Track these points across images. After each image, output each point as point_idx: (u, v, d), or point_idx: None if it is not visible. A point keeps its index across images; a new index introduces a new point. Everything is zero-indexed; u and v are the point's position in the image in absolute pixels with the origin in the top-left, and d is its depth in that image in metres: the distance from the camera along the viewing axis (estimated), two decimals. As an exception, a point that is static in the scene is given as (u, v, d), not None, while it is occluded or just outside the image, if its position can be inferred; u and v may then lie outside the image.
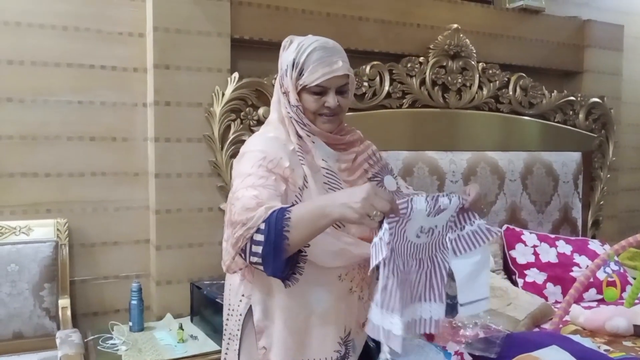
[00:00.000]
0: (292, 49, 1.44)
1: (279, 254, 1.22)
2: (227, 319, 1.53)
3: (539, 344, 1.88)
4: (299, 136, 1.44)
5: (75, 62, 2.38)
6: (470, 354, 1.98)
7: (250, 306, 1.43)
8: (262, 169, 1.35)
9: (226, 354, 1.54)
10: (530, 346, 1.85)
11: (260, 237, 1.22)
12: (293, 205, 1.30)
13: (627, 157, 3.81)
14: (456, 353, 2.10)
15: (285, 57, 1.45)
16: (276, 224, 1.21)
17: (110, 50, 2.43)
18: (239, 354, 1.47)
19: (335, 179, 1.43)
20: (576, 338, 2.20)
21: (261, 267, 1.25)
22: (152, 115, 2.38)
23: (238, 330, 1.46)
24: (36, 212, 2.34)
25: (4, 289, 2.12)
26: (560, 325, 2.38)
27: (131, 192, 2.50)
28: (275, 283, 1.35)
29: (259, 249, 1.23)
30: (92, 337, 2.17)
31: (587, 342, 2.24)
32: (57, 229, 2.30)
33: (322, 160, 1.43)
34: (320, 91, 1.40)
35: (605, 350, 2.21)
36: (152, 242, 2.48)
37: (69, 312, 2.22)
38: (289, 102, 1.43)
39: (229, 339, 1.52)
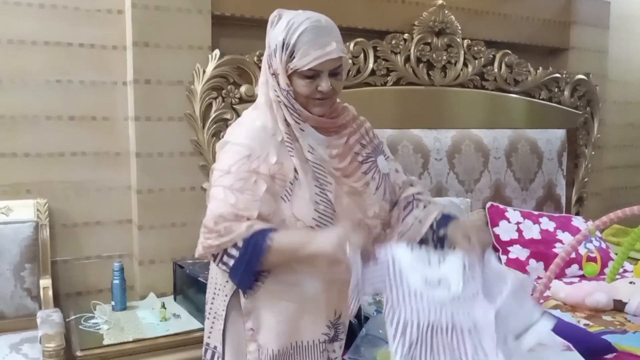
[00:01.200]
0: (282, 26, 1.32)
1: (249, 273, 1.28)
2: (213, 299, 1.52)
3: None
4: (287, 123, 1.36)
5: (53, 40, 2.33)
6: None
7: (237, 288, 1.41)
8: (244, 168, 1.31)
9: (210, 332, 1.52)
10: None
11: (234, 252, 1.26)
12: (272, 230, 1.27)
13: (612, 135, 3.81)
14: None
15: (274, 35, 1.34)
16: (254, 247, 1.24)
17: (88, 28, 2.38)
18: (223, 334, 1.45)
19: (323, 170, 1.36)
20: (556, 313, 2.23)
21: (228, 272, 1.30)
22: (132, 94, 2.35)
23: (223, 310, 1.44)
24: (16, 193, 2.32)
25: (-16, 270, 2.11)
26: (541, 301, 2.41)
27: (112, 172, 2.47)
28: None
29: (230, 261, 1.27)
30: (74, 317, 2.17)
31: (567, 317, 2.28)
32: (37, 209, 2.28)
33: (309, 152, 1.36)
34: (312, 75, 1.31)
35: (584, 324, 2.24)
36: (134, 222, 2.46)
37: (50, 292, 2.21)
38: (279, 84, 1.35)
39: (214, 318, 1.49)
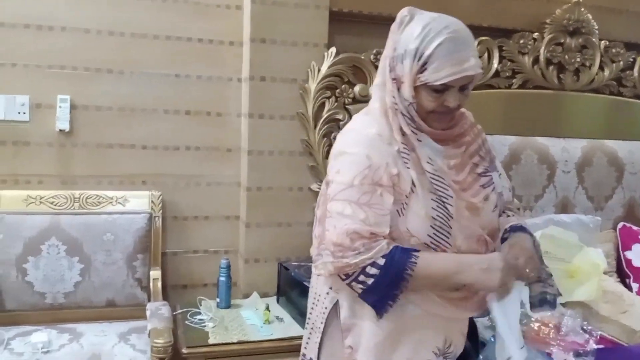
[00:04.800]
0: (415, 32, 1.22)
1: (389, 294, 1.21)
2: (312, 308, 1.43)
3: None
4: (403, 132, 1.26)
5: (173, 34, 2.36)
6: (579, 365, 1.78)
7: (337, 301, 1.32)
8: (367, 181, 1.22)
9: (307, 343, 1.44)
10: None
11: (374, 271, 1.19)
12: (414, 250, 1.21)
13: None
14: (562, 362, 1.91)
15: (405, 39, 1.23)
16: (398, 268, 1.18)
17: (207, 23, 2.39)
18: (319, 348, 1.37)
19: (443, 182, 1.26)
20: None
21: (359, 292, 1.23)
22: (247, 90, 2.33)
23: (322, 323, 1.36)
24: (132, 183, 2.37)
25: (99, 257, 2.16)
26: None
27: (223, 167, 2.47)
28: None
29: (368, 281, 1.20)
30: (180, 311, 2.18)
31: None
32: (152, 201, 2.32)
33: (428, 162, 1.26)
34: (442, 89, 1.22)
35: None
36: (241, 219, 2.45)
37: (159, 284, 2.24)
38: (400, 93, 1.25)
39: (312, 329, 1.42)
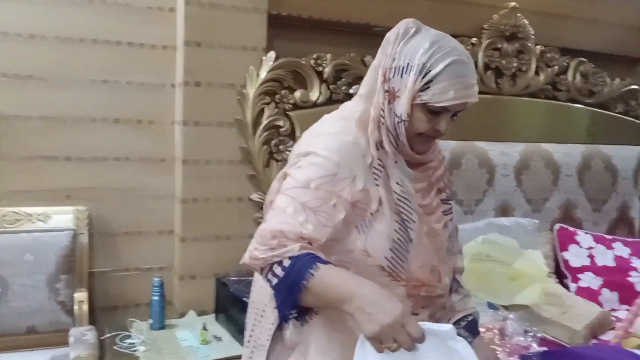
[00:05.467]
0: (422, 46, 1.15)
1: (289, 301, 1.10)
2: (254, 325, 1.34)
3: (607, 362, 1.67)
4: (380, 147, 1.20)
5: (101, 38, 2.20)
6: (525, 368, 1.77)
7: None
8: (326, 188, 1.14)
9: None
10: (597, 364, 1.65)
11: (279, 271, 1.09)
12: (327, 262, 1.08)
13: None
14: (509, 366, 1.90)
15: (409, 51, 1.16)
16: (299, 270, 1.06)
17: (138, 26, 2.25)
18: None
19: (408, 205, 1.21)
20: (642, 355, 1.97)
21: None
22: (182, 96, 2.20)
23: (267, 340, 1.27)
24: (55, 198, 2.19)
25: (18, 281, 1.97)
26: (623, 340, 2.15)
27: (156, 179, 2.33)
28: None
29: (272, 281, 1.11)
30: (108, 335, 2.02)
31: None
32: (77, 217, 2.15)
33: (397, 183, 1.20)
34: (438, 112, 1.16)
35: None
36: (176, 234, 2.31)
37: (85, 307, 2.07)
38: (391, 109, 1.18)
39: (254, 347, 1.32)
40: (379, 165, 1.19)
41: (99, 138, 2.23)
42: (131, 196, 2.30)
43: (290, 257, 1.08)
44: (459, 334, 1.23)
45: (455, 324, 1.33)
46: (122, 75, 2.24)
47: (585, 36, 2.96)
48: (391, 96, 1.18)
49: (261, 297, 1.31)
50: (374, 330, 0.98)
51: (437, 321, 1.29)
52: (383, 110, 1.18)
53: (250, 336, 1.34)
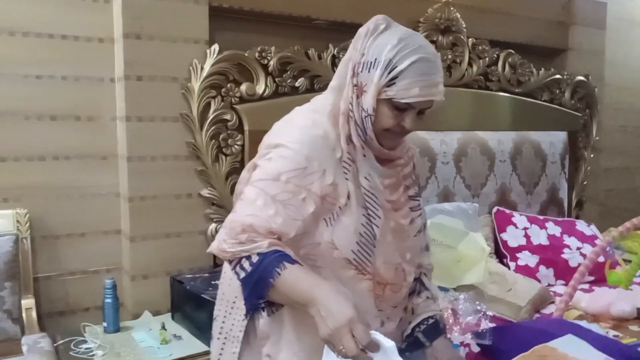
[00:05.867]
0: (391, 42, 1.16)
1: (256, 294, 1.14)
2: (225, 317, 1.33)
3: (552, 334, 1.77)
4: (350, 141, 1.21)
5: (33, 30, 2.09)
6: (479, 345, 1.85)
7: None
8: (296, 181, 1.15)
9: (220, 355, 1.34)
10: (544, 336, 1.74)
11: (247, 266, 1.12)
12: (294, 262, 1.11)
13: (608, 138, 3.76)
14: (462, 344, 1.98)
15: (377, 47, 1.17)
16: (267, 267, 1.10)
17: (72, 18, 2.15)
18: (239, 358, 1.28)
19: (375, 201, 1.22)
20: (582, 324, 2.11)
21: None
22: (123, 91, 2.12)
23: (240, 331, 1.27)
24: (-10, 201, 2.07)
25: (-44, 290, 1.85)
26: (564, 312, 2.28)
27: (98, 177, 2.24)
28: None
29: (240, 274, 1.14)
30: (62, 341, 1.92)
31: (595, 328, 2.15)
32: (17, 220, 2.04)
33: (365, 178, 1.21)
34: (404, 108, 1.17)
35: (614, 336, 2.12)
36: (123, 233, 2.23)
37: (34, 314, 1.99)
38: (359, 103, 1.19)
39: (225, 339, 1.32)
40: (348, 159, 1.20)
41: (35, 136, 2.12)
42: (72, 196, 2.20)
43: (258, 254, 1.11)
44: (415, 340, 1.33)
45: (415, 327, 1.34)
46: (56, 69, 2.14)
47: (508, 29, 3.12)
48: (359, 90, 1.19)
49: (231, 289, 1.31)
50: (325, 333, 1.03)
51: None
52: (352, 104, 1.20)
53: (222, 328, 1.33)
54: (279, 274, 1.08)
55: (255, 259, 1.11)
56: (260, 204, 1.14)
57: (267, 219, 1.13)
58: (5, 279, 1.93)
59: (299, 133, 1.20)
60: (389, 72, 1.15)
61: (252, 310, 1.21)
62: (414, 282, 1.38)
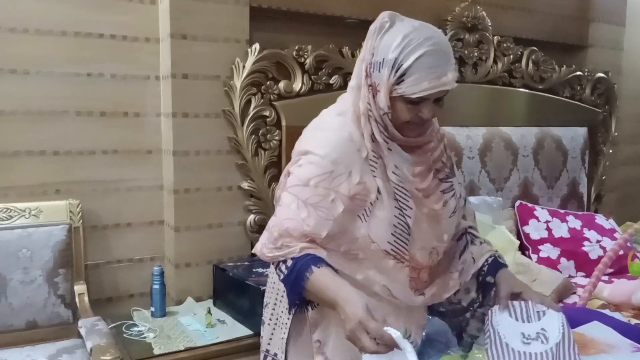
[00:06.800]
0: (395, 40, 1.19)
1: (294, 294, 1.23)
2: (275, 304, 1.43)
3: (577, 321, 1.86)
4: (373, 139, 1.26)
5: (83, 30, 2.19)
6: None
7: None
8: (324, 184, 1.23)
9: (270, 339, 1.44)
10: (571, 323, 1.83)
11: (284, 268, 1.23)
12: (323, 264, 1.19)
13: (625, 130, 3.83)
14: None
15: (384, 47, 1.21)
16: (299, 271, 1.20)
17: (119, 19, 2.25)
18: (287, 344, 1.38)
19: (405, 193, 1.27)
20: (608, 313, 2.20)
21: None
22: (169, 88, 2.22)
23: (288, 318, 1.37)
24: (44, 193, 2.18)
25: (16, 277, 1.97)
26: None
27: (143, 171, 2.35)
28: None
29: (280, 275, 1.25)
30: (113, 325, 2.04)
31: (618, 317, 2.24)
32: (70, 211, 2.14)
33: (393, 172, 1.26)
34: (418, 101, 1.20)
35: (636, 323, 2.21)
36: (168, 224, 2.35)
37: (86, 299, 2.10)
38: (376, 102, 1.23)
39: (275, 324, 1.42)
40: (374, 157, 1.26)
41: (85, 131, 2.23)
42: (120, 188, 2.32)
43: (292, 258, 1.21)
44: (483, 284, 1.39)
45: (479, 273, 1.40)
46: (105, 67, 2.24)
47: (530, 26, 3.18)
48: (374, 90, 1.23)
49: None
50: (345, 335, 1.11)
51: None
52: (369, 104, 1.24)
53: (272, 314, 1.43)
54: (308, 278, 1.18)
55: (289, 263, 1.21)
56: (294, 207, 1.24)
57: (300, 222, 1.22)
58: (59, 266, 2.04)
59: (326, 137, 1.27)
60: (396, 71, 1.18)
61: (295, 307, 1.27)
62: (462, 236, 1.44)
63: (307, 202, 1.23)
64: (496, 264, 1.40)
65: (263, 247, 1.28)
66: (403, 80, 1.18)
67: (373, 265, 1.29)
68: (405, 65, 1.17)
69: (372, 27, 1.25)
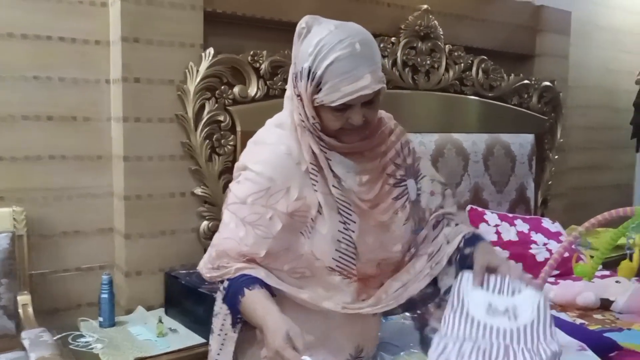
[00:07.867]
0: (308, 48, 1.14)
1: (232, 312, 1.24)
2: (226, 314, 1.40)
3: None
4: (313, 151, 1.22)
5: (31, 33, 2.12)
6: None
7: None
8: (261, 202, 1.21)
9: (220, 350, 1.40)
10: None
11: (222, 288, 1.26)
12: (257, 285, 1.19)
13: (572, 137, 3.98)
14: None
15: (301, 55, 1.16)
16: (233, 293, 1.21)
17: (69, 21, 2.18)
18: (235, 356, 1.31)
19: (348, 207, 1.23)
20: (554, 313, 2.28)
21: None
22: (120, 93, 2.18)
23: (235, 332, 1.30)
24: (-13, 200, 2.10)
25: (-45, 287, 1.88)
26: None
27: (94, 177, 2.29)
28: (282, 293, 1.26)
29: (220, 295, 1.27)
30: (59, 336, 1.97)
31: (564, 317, 2.33)
32: (14, 219, 2.06)
33: (334, 186, 1.22)
34: (343, 108, 1.14)
35: (581, 323, 2.30)
36: (118, 231, 2.29)
37: (30, 310, 2.02)
38: (305, 111, 1.19)
39: (224, 339, 1.35)
40: (314, 169, 1.21)
41: (33, 137, 2.16)
42: (67, 195, 2.24)
43: (228, 279, 1.22)
44: (460, 258, 1.26)
45: (454, 254, 1.29)
46: (54, 71, 2.17)
47: (481, 35, 3.27)
48: (300, 99, 1.19)
49: None
50: (268, 356, 1.10)
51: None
52: (301, 114, 1.20)
53: (223, 325, 1.35)
54: (240, 300, 1.18)
55: (226, 284, 1.23)
56: (232, 226, 1.23)
57: (238, 241, 1.22)
58: (1, 276, 1.95)
59: (263, 153, 1.24)
60: (312, 80, 1.14)
61: (238, 324, 1.25)
62: (438, 223, 1.34)
63: (245, 220, 1.22)
64: (475, 238, 1.29)
65: (202, 268, 1.29)
66: (320, 89, 1.14)
67: (319, 282, 1.27)
68: (318, 74, 1.13)
69: (295, 36, 1.21)
